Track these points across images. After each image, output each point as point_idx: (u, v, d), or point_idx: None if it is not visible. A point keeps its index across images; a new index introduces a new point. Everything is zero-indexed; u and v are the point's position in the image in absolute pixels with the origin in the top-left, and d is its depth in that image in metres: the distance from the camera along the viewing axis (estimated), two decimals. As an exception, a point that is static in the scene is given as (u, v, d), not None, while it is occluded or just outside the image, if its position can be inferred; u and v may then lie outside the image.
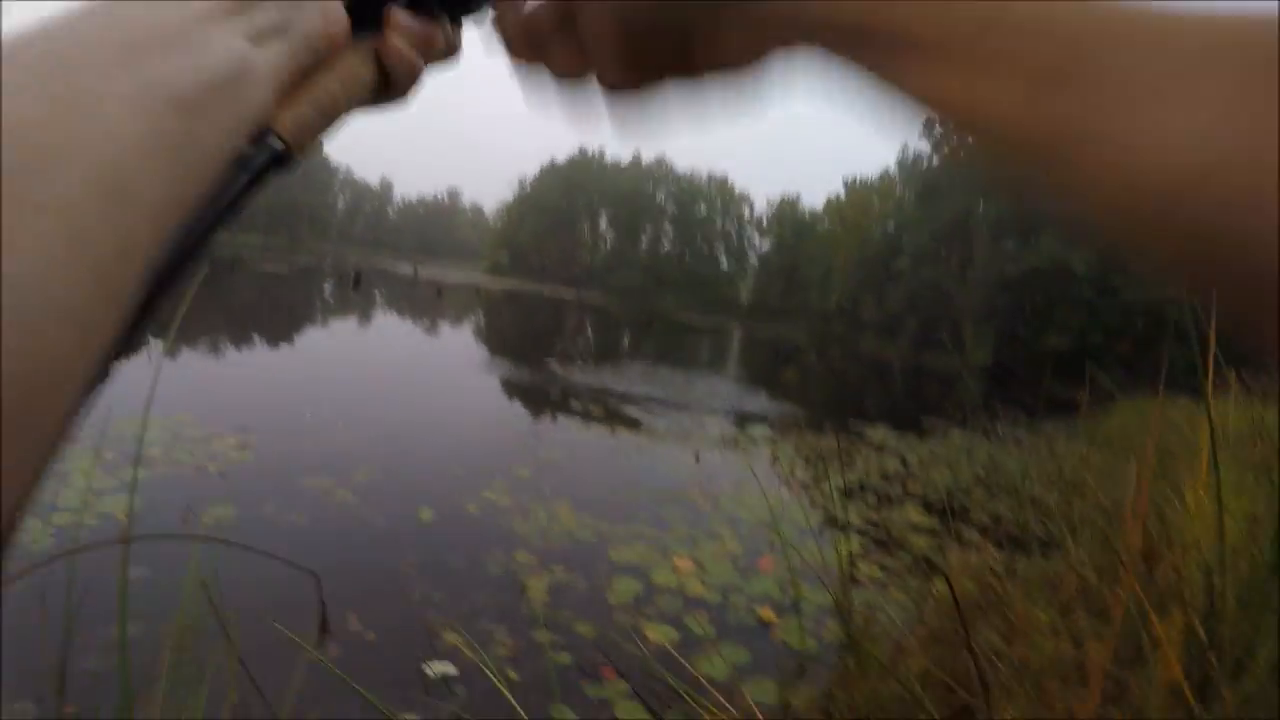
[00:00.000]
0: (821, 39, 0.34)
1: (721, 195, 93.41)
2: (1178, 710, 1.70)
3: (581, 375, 13.06)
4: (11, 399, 0.20)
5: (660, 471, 7.05)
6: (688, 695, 2.32)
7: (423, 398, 9.49)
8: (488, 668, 2.56)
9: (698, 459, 7.59)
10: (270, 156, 0.33)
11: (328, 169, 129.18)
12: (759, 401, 13.52)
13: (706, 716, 2.18)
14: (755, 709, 2.57)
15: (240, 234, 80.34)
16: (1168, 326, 1.82)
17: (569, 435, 8.34)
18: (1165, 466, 4.25)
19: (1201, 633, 1.80)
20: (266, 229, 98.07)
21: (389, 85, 0.41)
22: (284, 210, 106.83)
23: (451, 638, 3.34)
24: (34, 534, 3.70)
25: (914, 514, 6.53)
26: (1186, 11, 0.26)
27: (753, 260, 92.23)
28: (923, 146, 61.21)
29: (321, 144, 0.39)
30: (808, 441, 9.14)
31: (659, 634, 3.67)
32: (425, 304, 29.27)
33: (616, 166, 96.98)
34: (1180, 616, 2.12)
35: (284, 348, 12.92)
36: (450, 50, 0.44)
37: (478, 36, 0.45)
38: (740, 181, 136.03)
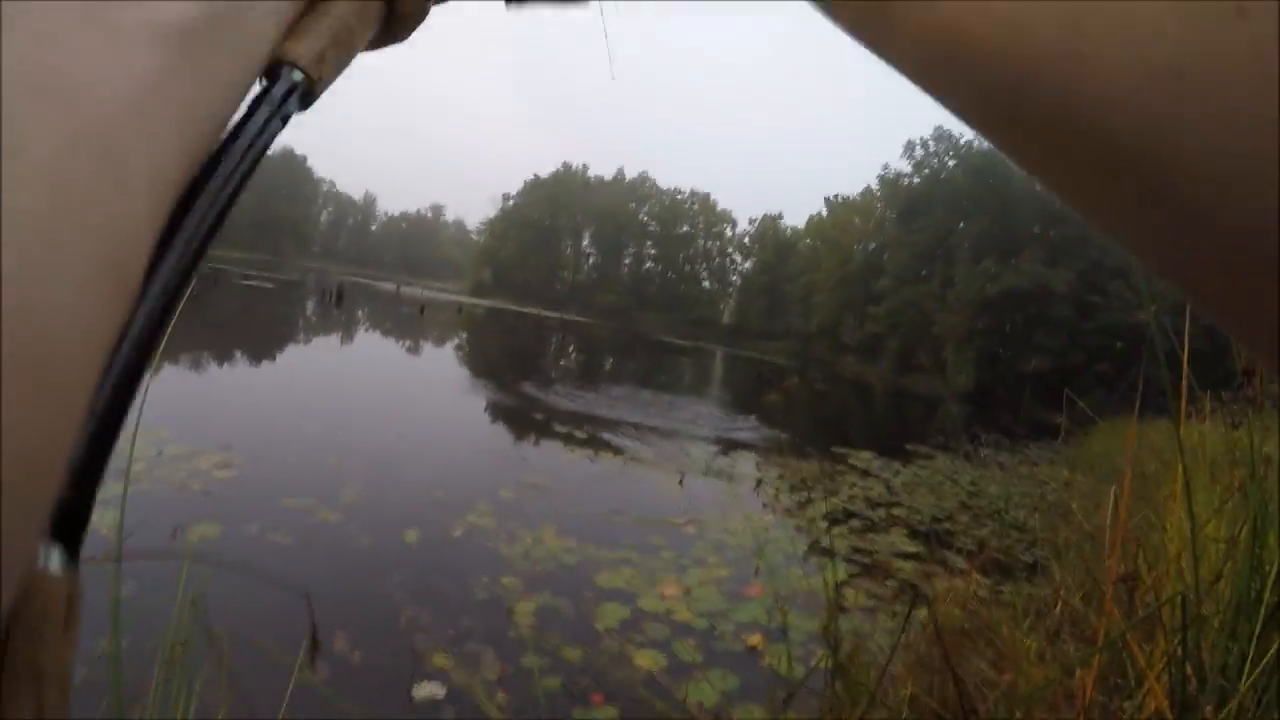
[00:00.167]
0: None
1: (704, 213, 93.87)
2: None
3: (564, 397, 13.03)
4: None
5: (645, 496, 7.03)
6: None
7: (405, 417, 9.44)
8: (476, 691, 2.55)
9: (682, 483, 7.59)
10: (290, 88, 0.30)
11: (311, 181, 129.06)
12: (742, 425, 13.51)
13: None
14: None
15: (222, 248, 79.91)
16: (1146, 348, 1.84)
17: (552, 458, 8.32)
18: (1148, 490, 4.31)
19: (1183, 658, 1.81)
20: (249, 244, 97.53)
21: (396, 19, 0.37)
22: (267, 224, 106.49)
23: (439, 660, 3.32)
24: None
25: (900, 540, 6.55)
26: None
27: (734, 279, 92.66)
28: (903, 165, 61.85)
29: (339, 73, 0.34)
30: (792, 467, 9.16)
31: (647, 660, 3.66)
32: (408, 322, 29.19)
33: (600, 182, 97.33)
34: (1162, 643, 2.15)
35: (266, 365, 12.85)
36: None
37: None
38: (723, 199, 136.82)
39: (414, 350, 20.18)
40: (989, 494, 9.49)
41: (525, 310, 60.63)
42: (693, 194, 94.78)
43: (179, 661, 2.45)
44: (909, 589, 5.10)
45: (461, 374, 16.24)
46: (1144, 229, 0.21)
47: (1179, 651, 1.79)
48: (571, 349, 31.51)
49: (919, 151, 60.90)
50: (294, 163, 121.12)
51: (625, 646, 3.79)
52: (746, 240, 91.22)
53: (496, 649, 3.57)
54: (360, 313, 30.10)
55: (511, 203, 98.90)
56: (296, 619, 3.32)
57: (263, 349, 14.46)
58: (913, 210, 57.92)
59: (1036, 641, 3.15)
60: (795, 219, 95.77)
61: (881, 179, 65.48)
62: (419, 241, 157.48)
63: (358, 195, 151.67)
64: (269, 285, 36.29)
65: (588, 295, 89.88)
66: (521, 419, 10.74)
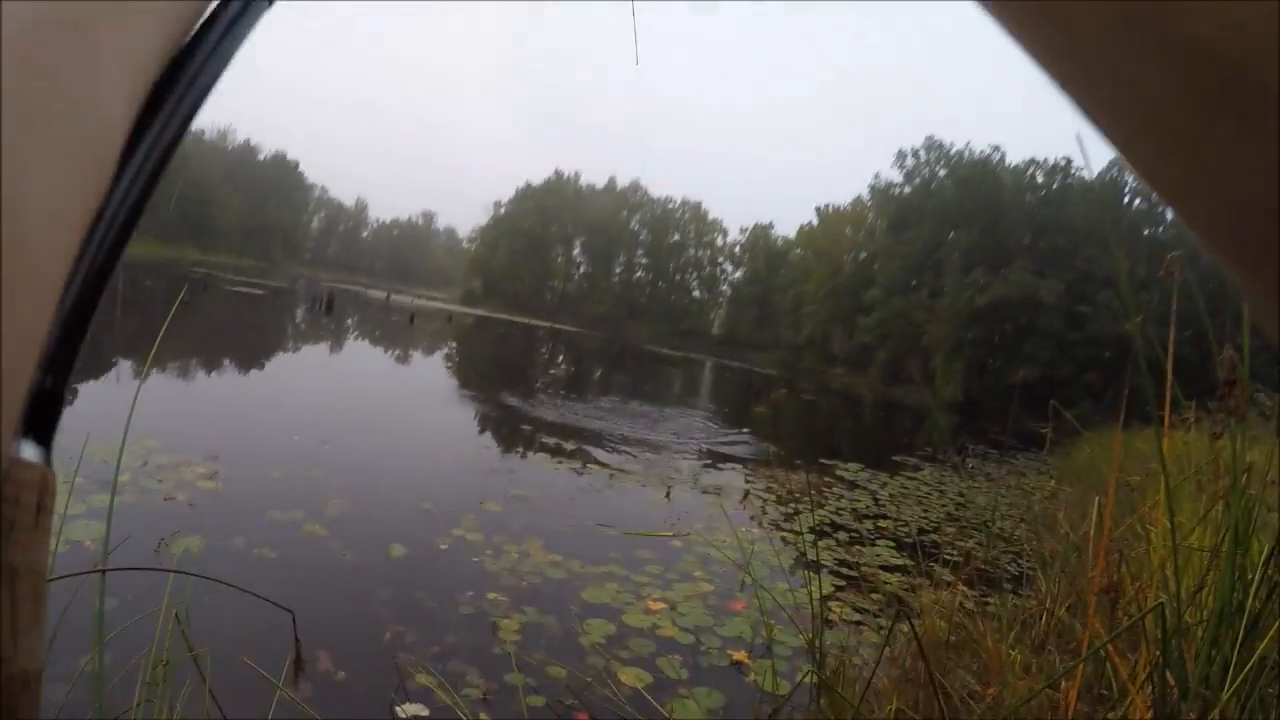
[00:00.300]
0: None
1: (695, 221, 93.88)
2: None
3: (552, 408, 13.01)
4: None
5: (632, 509, 7.04)
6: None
7: (393, 428, 9.41)
8: (460, 710, 2.54)
9: (669, 496, 7.59)
10: None
11: (303, 187, 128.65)
12: (730, 437, 13.51)
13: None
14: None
15: (211, 253, 79.67)
16: (1131, 359, 1.86)
17: (540, 470, 8.30)
18: (1133, 501, 4.32)
19: (1165, 668, 1.82)
20: (240, 249, 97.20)
21: None
22: (258, 229, 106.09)
23: (423, 678, 3.30)
24: None
25: (886, 552, 6.56)
26: None
27: (724, 289, 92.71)
28: (894, 175, 62.06)
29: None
30: (780, 479, 9.16)
31: (632, 677, 3.65)
32: (397, 331, 29.13)
33: (591, 190, 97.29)
34: (1145, 653, 2.16)
35: (254, 373, 12.81)
36: None
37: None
38: (714, 208, 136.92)
39: (403, 360, 20.15)
40: (976, 505, 9.52)
41: (515, 319, 60.55)
42: (684, 203, 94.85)
43: (161, 680, 2.44)
44: (895, 602, 5.11)
45: (450, 384, 16.21)
46: None
47: (1161, 661, 1.80)
48: (561, 359, 31.50)
49: (910, 161, 61.16)
50: (286, 167, 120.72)
51: (611, 663, 3.79)
52: (737, 250, 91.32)
53: (481, 667, 3.56)
54: (350, 321, 30.05)
55: (503, 210, 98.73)
56: (280, 635, 3.29)
57: (251, 357, 14.40)
58: (903, 220, 58.09)
59: (1022, 653, 3.16)
60: (786, 228, 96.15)
61: (872, 188, 65.73)
62: (410, 249, 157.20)
63: (349, 201, 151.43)
64: (259, 291, 36.19)
65: (578, 305, 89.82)
66: (509, 431, 10.73)
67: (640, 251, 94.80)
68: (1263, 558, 1.88)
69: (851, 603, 5.06)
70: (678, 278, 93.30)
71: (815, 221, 74.31)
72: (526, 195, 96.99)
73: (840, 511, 7.99)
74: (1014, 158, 65.64)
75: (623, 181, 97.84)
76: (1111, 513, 2.68)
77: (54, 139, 0.18)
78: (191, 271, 38.77)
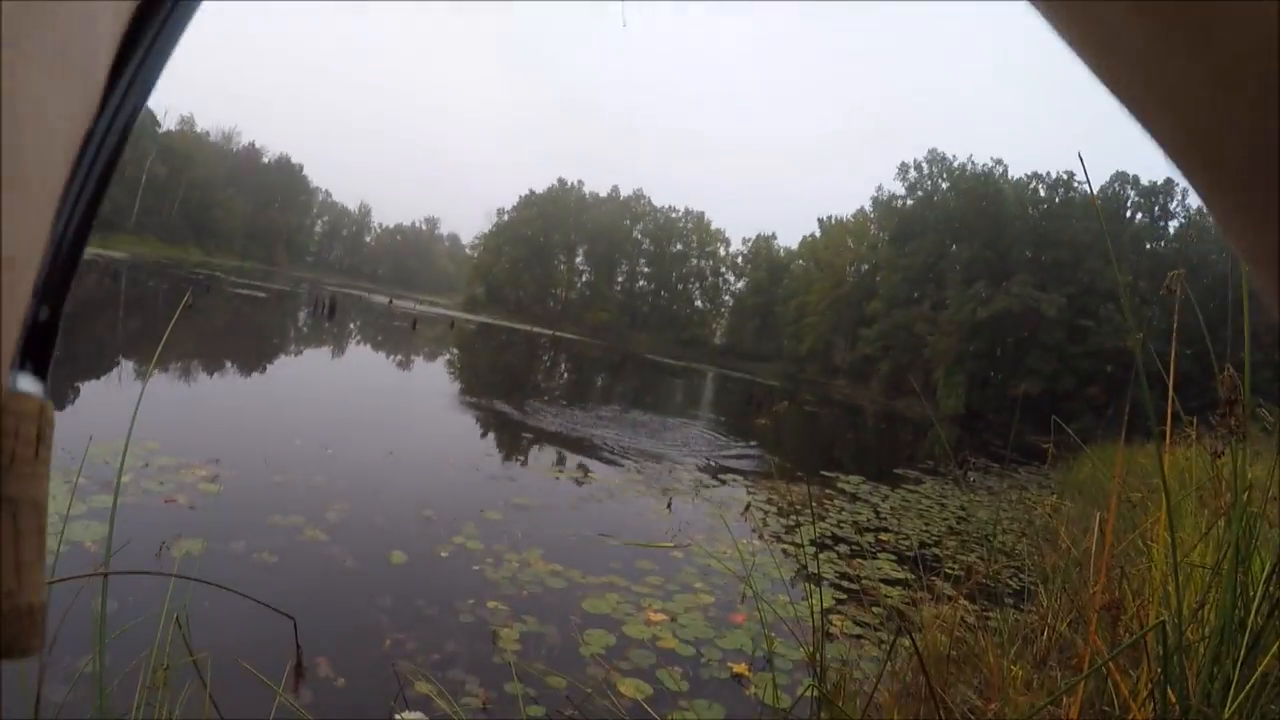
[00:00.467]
0: None
1: (698, 231, 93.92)
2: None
3: (554, 417, 13.00)
4: None
5: (633, 519, 7.03)
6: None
7: (394, 434, 9.41)
8: (460, 718, 2.53)
9: (670, 507, 7.58)
10: None
11: (307, 190, 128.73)
12: (732, 448, 13.48)
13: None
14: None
15: (215, 255, 79.81)
16: (1134, 374, 1.86)
17: (541, 479, 8.30)
18: (1135, 517, 4.32)
19: (1165, 684, 1.82)
20: (243, 252, 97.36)
21: None
22: (261, 232, 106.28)
23: (423, 686, 3.29)
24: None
25: (887, 566, 6.55)
26: None
27: (727, 299, 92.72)
28: (897, 187, 62.17)
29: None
30: (781, 491, 9.15)
31: (632, 688, 3.64)
32: (399, 336, 29.14)
33: (595, 198, 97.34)
34: (1147, 670, 2.15)
35: (256, 376, 12.82)
36: None
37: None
38: (717, 218, 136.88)
39: (405, 365, 20.16)
40: (977, 519, 9.51)
41: (517, 326, 60.56)
42: (687, 212, 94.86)
43: (162, 684, 2.43)
44: (896, 616, 5.09)
45: (452, 391, 16.20)
46: None
47: (1163, 678, 1.80)
48: (562, 367, 31.50)
49: (912, 174, 61.34)
50: (290, 171, 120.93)
51: (610, 674, 3.78)
52: (740, 260, 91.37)
53: (480, 676, 3.56)
54: (352, 325, 30.06)
55: (506, 217, 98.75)
56: (281, 640, 3.30)
57: (253, 360, 14.41)
58: (905, 232, 58.23)
59: (1023, 669, 3.14)
60: (789, 239, 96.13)
61: (875, 200, 65.85)
62: (413, 254, 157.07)
63: (353, 205, 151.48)
64: (262, 294, 36.23)
65: (580, 313, 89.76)
66: (510, 438, 10.72)
67: (643, 260, 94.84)
68: (1264, 575, 1.87)
69: (852, 616, 5.05)
70: (680, 287, 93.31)
71: (818, 232, 74.46)
72: (530, 202, 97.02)
73: (841, 524, 7.98)
74: (1016, 171, 65.75)
75: (626, 190, 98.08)
76: (1113, 528, 2.68)
77: (45, 51, 0.18)
78: (194, 273, 38.88)
